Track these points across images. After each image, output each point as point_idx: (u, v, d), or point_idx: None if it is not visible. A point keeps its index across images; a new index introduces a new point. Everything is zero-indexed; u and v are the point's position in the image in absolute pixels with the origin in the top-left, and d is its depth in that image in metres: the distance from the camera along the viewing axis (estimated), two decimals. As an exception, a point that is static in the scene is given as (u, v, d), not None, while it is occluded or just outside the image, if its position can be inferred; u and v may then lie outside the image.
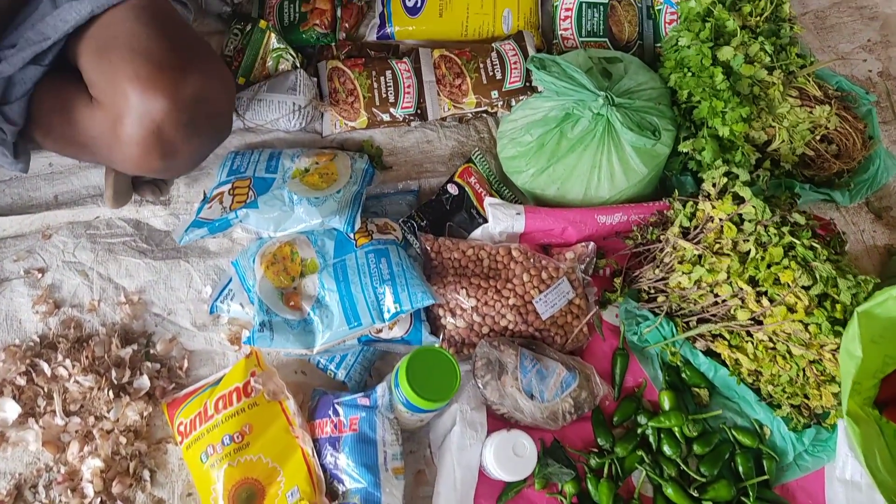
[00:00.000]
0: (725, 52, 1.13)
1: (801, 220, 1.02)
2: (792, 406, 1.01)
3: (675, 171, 1.19)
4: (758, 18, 1.16)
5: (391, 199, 1.19)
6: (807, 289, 0.96)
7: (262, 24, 1.20)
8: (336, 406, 0.94)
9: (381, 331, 1.01)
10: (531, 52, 1.22)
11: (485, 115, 1.26)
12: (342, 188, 1.08)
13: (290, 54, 1.23)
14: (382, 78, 1.21)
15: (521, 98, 1.19)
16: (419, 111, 1.22)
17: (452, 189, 1.16)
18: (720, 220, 1.04)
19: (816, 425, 1.02)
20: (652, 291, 1.09)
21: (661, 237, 1.09)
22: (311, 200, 1.04)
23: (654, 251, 1.10)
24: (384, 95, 1.20)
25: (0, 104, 0.93)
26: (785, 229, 1.00)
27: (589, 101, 1.08)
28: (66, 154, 1.08)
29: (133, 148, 0.91)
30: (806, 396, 1.00)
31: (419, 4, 1.28)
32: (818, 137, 1.17)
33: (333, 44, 1.27)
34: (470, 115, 1.25)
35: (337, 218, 1.04)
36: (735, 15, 1.16)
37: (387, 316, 0.98)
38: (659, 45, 1.28)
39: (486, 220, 1.14)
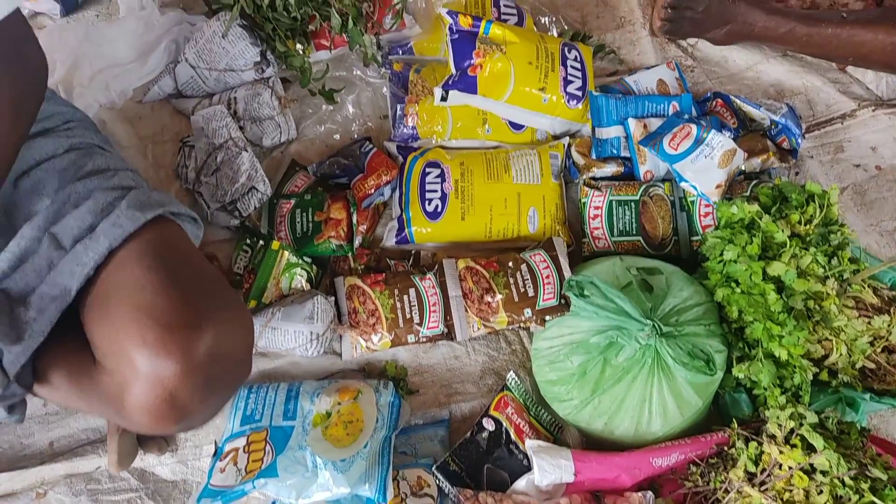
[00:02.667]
0: (777, 268, 1.05)
1: (882, 473, 0.92)
2: None
3: (728, 387, 1.09)
4: (807, 227, 1.09)
5: (420, 433, 1.08)
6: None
7: (275, 244, 1.12)
8: None
9: None
10: (563, 262, 1.13)
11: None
12: (369, 439, 0.98)
13: (305, 269, 1.15)
14: (406, 297, 1.12)
15: (555, 315, 1.11)
16: (446, 330, 1.12)
17: (489, 424, 1.06)
18: (790, 468, 0.94)
19: None
20: (718, 543, 0.98)
21: (724, 479, 0.98)
22: (337, 465, 0.94)
23: (716, 493, 1.00)
24: (408, 316, 1.11)
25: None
26: (864, 486, 0.90)
27: (634, 331, 1.00)
28: (71, 408, 0.98)
29: (143, 416, 0.80)
30: None
31: (440, 209, 1.20)
32: (879, 349, 1.09)
33: (350, 254, 1.19)
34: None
35: (367, 485, 0.93)
36: (783, 223, 1.08)
37: None
38: (695, 238, 1.21)
39: (526, 456, 1.04)
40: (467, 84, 1.24)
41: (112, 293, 0.79)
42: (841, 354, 1.07)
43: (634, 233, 1.21)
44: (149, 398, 0.77)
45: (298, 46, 1.25)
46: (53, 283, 0.80)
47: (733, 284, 1.07)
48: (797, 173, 1.32)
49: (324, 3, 1.19)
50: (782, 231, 1.07)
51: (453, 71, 1.25)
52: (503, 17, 1.36)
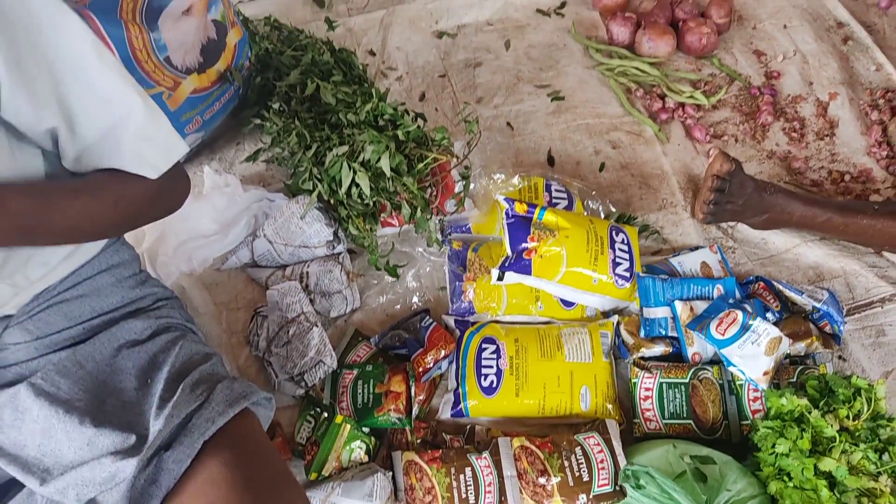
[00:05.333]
0: (827, 464, 1.07)
1: None
2: None
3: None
4: (856, 422, 1.11)
5: None
6: None
7: (339, 418, 1.18)
8: None
9: None
10: (616, 446, 1.17)
11: (569, 508, 1.19)
12: None
13: (365, 441, 1.19)
14: (462, 476, 1.15)
15: (610, 501, 1.12)
16: (501, 511, 1.15)
17: None
18: None
19: None
20: None
21: None
22: None
23: None
24: (464, 496, 1.14)
25: None
26: None
27: (691, 527, 1.01)
28: None
29: None
30: None
31: (495, 385, 1.26)
32: (940, 550, 1.08)
33: (409, 428, 1.24)
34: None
35: None
36: (831, 418, 1.11)
37: None
38: (745, 422, 1.23)
39: None
40: (522, 266, 1.33)
41: (189, 484, 0.85)
42: (899, 553, 1.07)
43: (685, 416, 1.24)
44: None
45: (367, 227, 1.37)
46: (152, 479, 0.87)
47: (786, 478, 1.09)
48: (840, 357, 1.36)
49: (394, 193, 1.31)
50: (831, 426, 1.10)
51: (509, 253, 1.34)
52: (554, 200, 1.47)
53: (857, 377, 1.18)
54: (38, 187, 0.86)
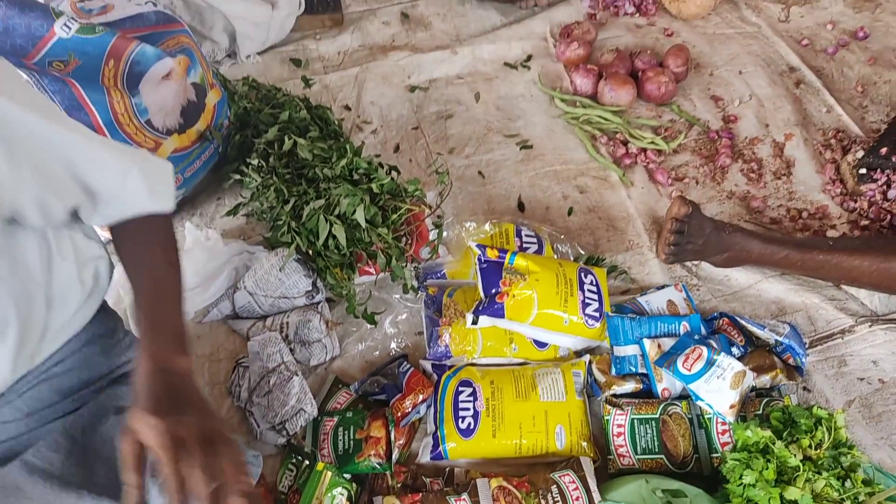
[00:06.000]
0: (792, 493, 1.11)
1: None
2: None
3: None
4: (818, 451, 1.16)
5: None
6: None
7: (320, 466, 1.20)
8: None
9: None
10: (591, 483, 1.20)
11: (548, 547, 1.21)
12: None
13: (346, 487, 1.21)
14: (441, 518, 1.18)
15: (586, 538, 1.15)
16: (481, 552, 1.17)
17: None
18: None
19: None
20: None
21: None
22: None
23: None
24: (444, 538, 1.17)
25: None
26: None
27: (664, 559, 1.04)
28: None
29: None
30: None
31: (473, 426, 1.29)
32: (906, 575, 1.12)
33: (389, 472, 1.26)
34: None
35: None
36: (795, 448, 1.16)
37: None
38: (715, 454, 1.27)
39: None
40: (495, 310, 1.37)
41: None
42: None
43: (657, 451, 1.28)
44: None
45: (345, 276, 1.41)
46: None
47: (754, 508, 1.13)
48: (805, 388, 1.41)
49: (370, 243, 1.37)
50: (795, 456, 1.14)
51: (482, 297, 1.39)
52: (525, 245, 1.53)
53: (818, 407, 1.23)
54: (159, 304, 0.97)
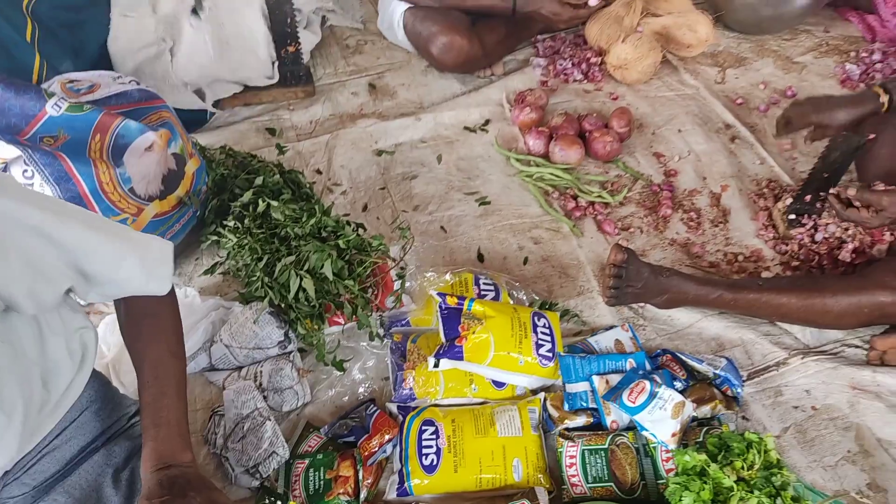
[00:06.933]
0: (728, 509, 1.21)
1: None
2: None
3: None
4: (750, 472, 1.27)
5: None
6: None
7: (292, 503, 1.28)
8: None
9: None
10: (545, 510, 1.29)
11: (507, 574, 1.29)
12: None
13: (317, 525, 1.29)
14: (407, 550, 1.26)
15: (542, 563, 1.24)
16: (444, 581, 1.24)
17: None
18: None
19: None
20: None
21: None
22: None
23: None
24: (409, 569, 1.24)
25: None
26: None
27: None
28: None
29: None
30: None
31: (435, 463, 1.38)
32: (835, 584, 1.21)
33: (357, 511, 1.34)
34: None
35: None
36: (729, 470, 1.26)
37: None
38: (661, 481, 1.37)
39: None
40: (455, 353, 1.48)
41: None
42: (799, 591, 1.19)
43: (607, 479, 1.37)
44: None
45: (315, 326, 1.52)
46: None
47: (694, 527, 1.22)
48: (744, 417, 1.52)
49: (337, 295, 1.48)
50: (729, 477, 1.24)
51: (444, 341, 1.50)
52: (483, 293, 1.65)
53: (750, 432, 1.34)
54: (162, 399, 1.09)
